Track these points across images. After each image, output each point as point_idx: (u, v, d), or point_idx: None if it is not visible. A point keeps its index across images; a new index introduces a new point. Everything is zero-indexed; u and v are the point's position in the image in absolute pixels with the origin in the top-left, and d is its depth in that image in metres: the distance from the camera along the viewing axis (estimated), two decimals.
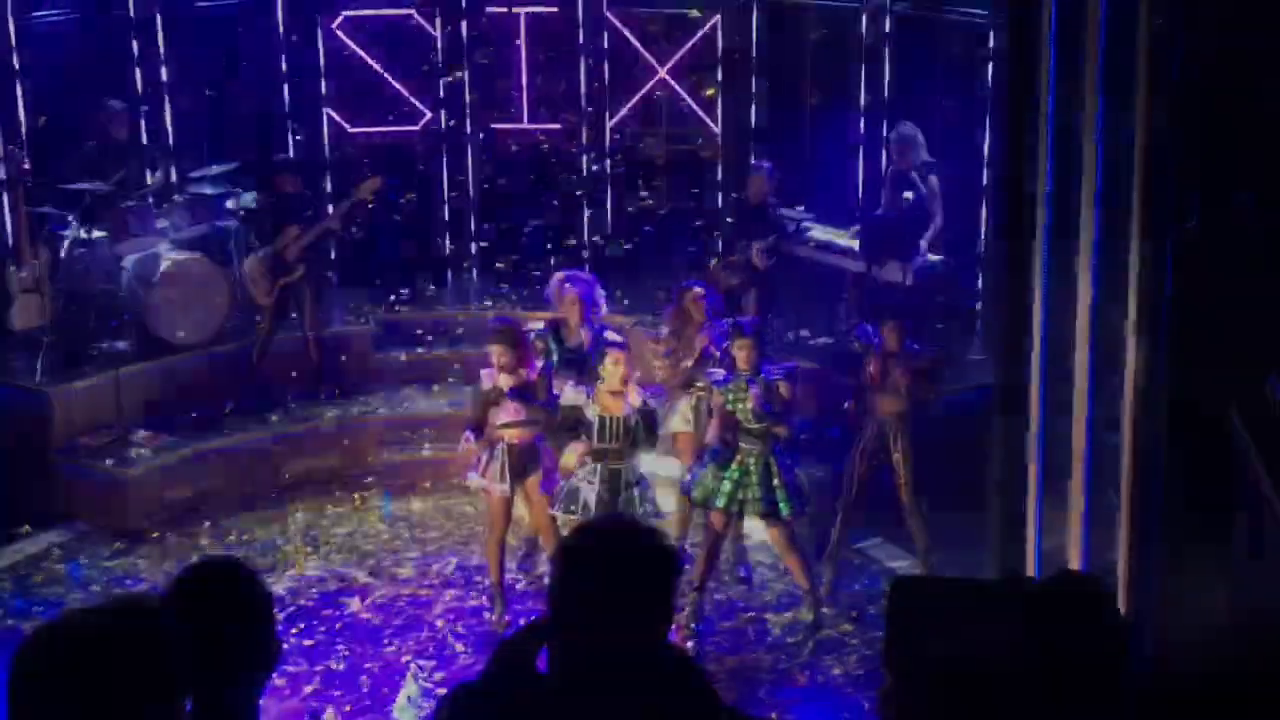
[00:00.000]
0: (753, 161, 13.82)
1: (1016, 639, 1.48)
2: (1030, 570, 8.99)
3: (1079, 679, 1.43)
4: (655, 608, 3.18)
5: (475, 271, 15.33)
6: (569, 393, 10.14)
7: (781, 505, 10.16)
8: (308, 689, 9.71)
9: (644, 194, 15.13)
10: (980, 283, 13.64)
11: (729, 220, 13.08)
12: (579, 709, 3.11)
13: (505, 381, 10.17)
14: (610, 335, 10.65)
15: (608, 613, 3.12)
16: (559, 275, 11.29)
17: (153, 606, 2.93)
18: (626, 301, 13.96)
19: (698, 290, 11.12)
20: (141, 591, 9.64)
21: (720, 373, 10.35)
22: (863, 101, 13.98)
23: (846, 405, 11.01)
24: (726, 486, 10.17)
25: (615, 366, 9.97)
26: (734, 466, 10.18)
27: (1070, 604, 2.51)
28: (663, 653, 3.20)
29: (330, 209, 13.61)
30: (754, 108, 14.65)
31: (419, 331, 14.11)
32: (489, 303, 14.41)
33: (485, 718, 3.22)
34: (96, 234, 12.91)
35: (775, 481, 10.14)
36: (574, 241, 15.07)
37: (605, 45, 14.87)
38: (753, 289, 12.79)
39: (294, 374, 13.26)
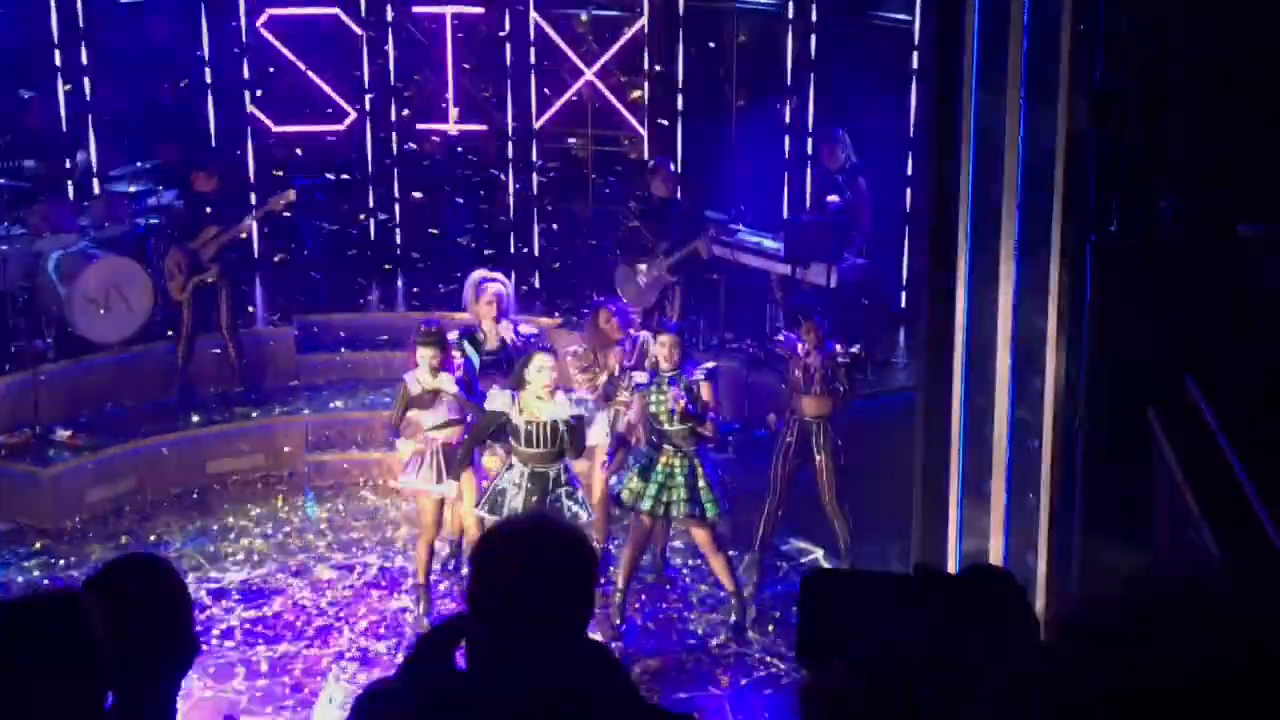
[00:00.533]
0: (650, 160, 13.86)
1: (928, 631, 1.49)
2: (953, 569, 9.05)
3: (992, 672, 1.44)
4: (574, 604, 3.18)
5: (399, 274, 15.28)
6: (495, 395, 10.09)
7: (707, 507, 10.16)
8: (228, 688, 9.64)
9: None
10: (904, 286, 13.75)
11: (636, 222, 13.06)
12: (498, 705, 3.11)
13: (439, 383, 10.15)
14: (531, 338, 10.67)
15: (526, 608, 3.11)
16: (476, 275, 11.26)
17: (74, 596, 2.89)
18: (562, 304, 14.04)
19: (610, 309, 11.11)
20: (63, 586, 9.49)
21: (643, 376, 10.36)
22: (788, 105, 14.04)
23: (770, 418, 11.04)
24: (652, 489, 10.17)
25: (541, 373, 9.88)
26: (659, 469, 10.18)
27: (981, 595, 2.53)
28: (582, 649, 3.20)
29: (252, 210, 13.53)
30: (679, 110, 14.68)
31: (342, 334, 14.05)
32: (413, 305, 14.37)
33: (403, 714, 3.20)
34: (16, 230, 12.77)
35: (700, 484, 10.15)
36: (493, 251, 15.01)
37: (532, 46, 14.86)
38: (676, 290, 12.84)
39: (216, 375, 13.16)
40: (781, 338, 11.16)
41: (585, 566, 3.22)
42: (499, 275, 11.35)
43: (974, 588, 2.59)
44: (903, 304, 13.75)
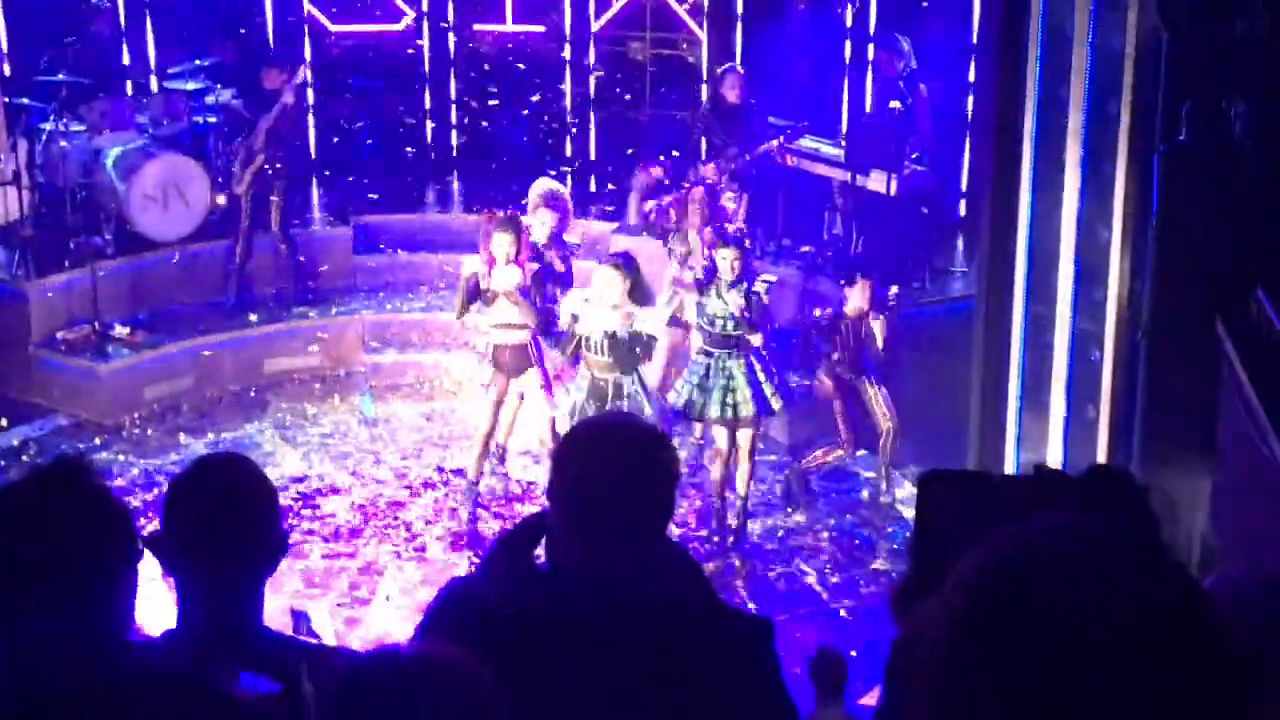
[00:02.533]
0: (721, 66, 13.74)
1: (1058, 527, 1.47)
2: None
3: (1125, 567, 1.43)
4: (655, 505, 3.18)
5: (455, 177, 15.24)
6: (574, 299, 10.10)
7: (772, 401, 10.26)
8: (286, 587, 9.74)
9: (628, 98, 15.03)
10: (964, 195, 13.65)
11: (706, 125, 12.96)
12: (578, 604, 3.12)
13: (506, 278, 10.11)
14: (576, 249, 10.74)
15: (607, 508, 3.11)
16: (544, 185, 11.22)
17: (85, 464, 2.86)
18: (611, 208, 13.99)
19: (700, 191, 11.17)
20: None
21: (694, 275, 10.41)
22: (850, 9, 13.88)
23: (818, 375, 10.96)
24: (716, 395, 10.20)
25: (610, 285, 9.86)
26: (718, 374, 10.20)
27: (1105, 498, 2.50)
28: (662, 550, 3.21)
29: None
30: (739, 13, 14.53)
31: (399, 235, 14.04)
32: (469, 208, 14.33)
33: (481, 613, 3.22)
34: (75, 128, 12.78)
35: (761, 378, 10.21)
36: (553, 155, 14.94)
37: None
38: (742, 195, 12.74)
39: (273, 275, 13.18)
40: (819, 313, 11.08)
41: (666, 468, 3.22)
42: (562, 191, 11.32)
43: (1097, 490, 2.56)
44: (962, 213, 13.65)
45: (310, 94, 13.25)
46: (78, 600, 2.58)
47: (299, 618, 8.06)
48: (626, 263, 10.03)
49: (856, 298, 10.63)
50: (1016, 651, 1.48)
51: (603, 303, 9.89)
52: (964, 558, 1.53)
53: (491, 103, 15.10)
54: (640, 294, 9.98)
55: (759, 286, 10.17)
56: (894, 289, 10.87)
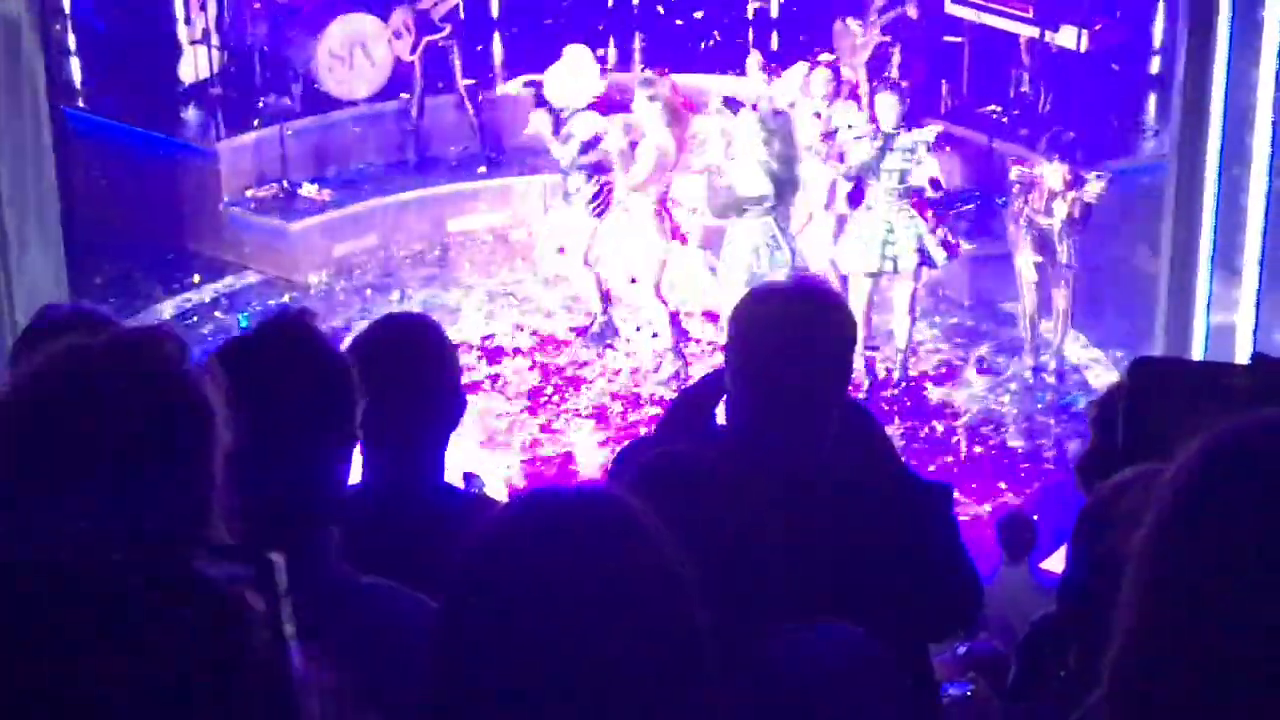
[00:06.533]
0: None
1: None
2: (1199, 344, 8.86)
3: None
4: (834, 366, 3.17)
5: (634, 35, 15.07)
6: None
7: (934, 253, 10.13)
8: (465, 445, 9.89)
9: None
10: (1156, 50, 13.23)
11: None
12: (757, 463, 3.13)
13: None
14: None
15: (785, 369, 3.11)
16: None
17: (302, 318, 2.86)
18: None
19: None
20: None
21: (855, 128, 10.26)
22: None
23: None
24: (875, 247, 10.10)
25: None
26: (881, 226, 10.10)
27: None
28: (842, 411, 3.20)
29: None
30: None
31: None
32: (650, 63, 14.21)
33: (664, 470, 3.24)
34: None
35: (922, 230, 10.09)
36: None
37: None
38: (898, 46, 12.39)
39: (455, 134, 13.23)
40: (1017, 174, 10.67)
41: (844, 329, 3.21)
42: None
43: None
44: (1154, 69, 13.24)
45: None
46: (300, 453, 2.62)
47: (469, 479, 8.22)
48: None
49: (1052, 177, 10.23)
50: (1236, 539, 1.50)
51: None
52: (1185, 444, 1.53)
53: None
54: None
55: (926, 135, 10.04)
56: (1101, 183, 10.34)
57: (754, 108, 10.17)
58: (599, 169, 10.55)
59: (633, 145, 10.31)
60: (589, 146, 10.45)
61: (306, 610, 1.54)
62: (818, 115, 10.51)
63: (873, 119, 10.17)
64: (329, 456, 2.68)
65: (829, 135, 10.43)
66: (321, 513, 2.62)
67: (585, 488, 1.99)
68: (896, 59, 12.38)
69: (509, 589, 1.80)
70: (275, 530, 1.87)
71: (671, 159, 10.21)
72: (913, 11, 12.36)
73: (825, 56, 11.39)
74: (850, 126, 10.30)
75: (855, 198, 10.46)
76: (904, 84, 10.53)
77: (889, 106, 9.99)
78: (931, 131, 10.13)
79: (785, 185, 10.02)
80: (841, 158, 10.36)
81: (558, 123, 10.60)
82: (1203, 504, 1.51)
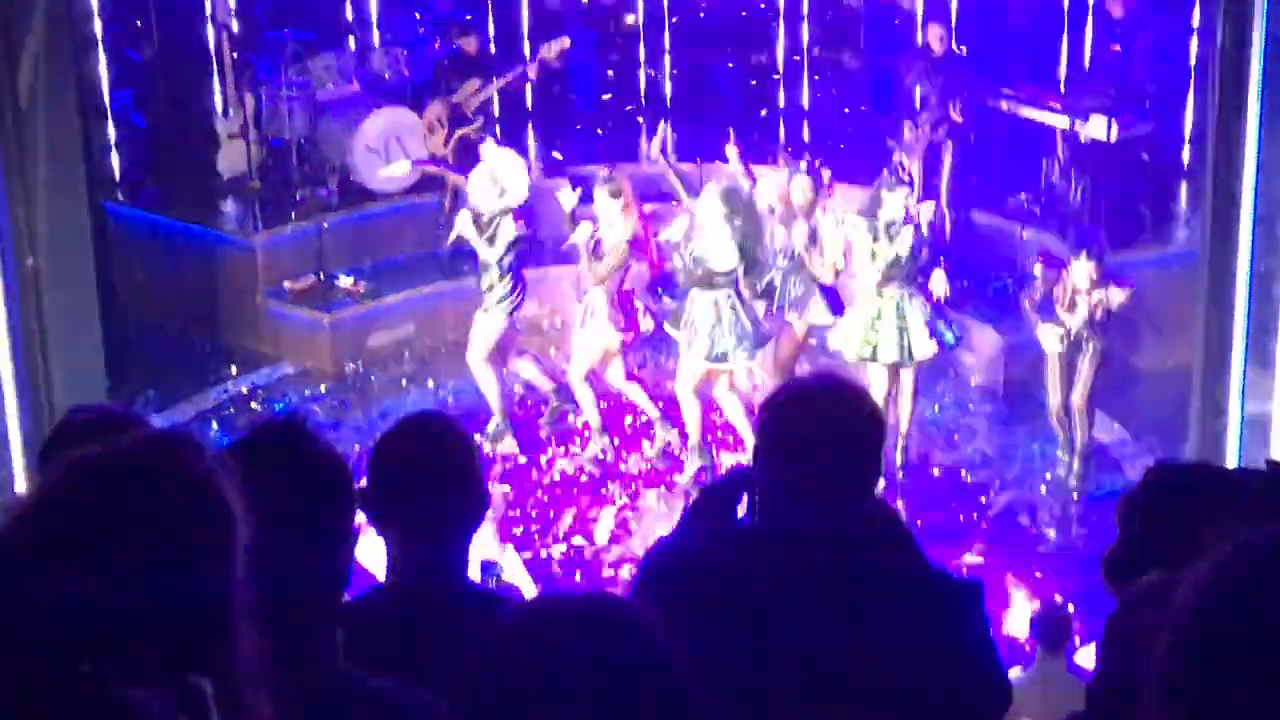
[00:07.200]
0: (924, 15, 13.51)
1: None
2: (1233, 433, 8.84)
3: None
4: (863, 462, 3.18)
5: (669, 125, 15.16)
6: None
7: (946, 336, 10.18)
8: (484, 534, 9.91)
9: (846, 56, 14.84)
10: (1186, 141, 13.26)
11: (916, 74, 12.76)
12: (783, 559, 3.14)
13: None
14: None
15: (816, 468, 3.11)
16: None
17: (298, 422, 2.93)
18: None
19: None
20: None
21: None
22: None
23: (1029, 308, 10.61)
24: (891, 335, 10.15)
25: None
26: (886, 314, 10.15)
27: None
28: (869, 508, 3.21)
29: (525, 61, 13.61)
30: None
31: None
32: (683, 156, 14.31)
33: (689, 571, 3.25)
34: (299, 80, 13.09)
35: (929, 314, 10.15)
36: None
37: None
38: (950, 142, 12.55)
39: None
40: (1040, 272, 10.51)
41: (874, 425, 3.22)
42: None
43: None
44: (1185, 160, 13.27)
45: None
46: (296, 553, 2.66)
47: (488, 568, 8.22)
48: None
49: (1078, 273, 10.08)
50: (1250, 656, 1.52)
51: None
52: (1201, 561, 1.55)
53: (702, 50, 15.07)
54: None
55: (922, 213, 10.17)
56: (1124, 293, 10.10)
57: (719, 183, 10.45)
58: (517, 269, 10.74)
59: (598, 243, 10.50)
60: (512, 248, 10.58)
61: (304, 710, 1.56)
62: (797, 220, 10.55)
63: (909, 219, 10.24)
64: (324, 556, 2.72)
65: (813, 240, 10.48)
66: (318, 611, 2.66)
67: (589, 594, 2.06)
68: (949, 157, 12.47)
69: (517, 692, 1.87)
70: (272, 628, 1.91)
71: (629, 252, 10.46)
72: (957, 115, 12.43)
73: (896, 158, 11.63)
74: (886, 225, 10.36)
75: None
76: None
77: (899, 197, 10.13)
78: (898, 202, 10.20)
79: (751, 258, 10.20)
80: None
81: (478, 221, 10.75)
82: (1216, 621, 1.53)
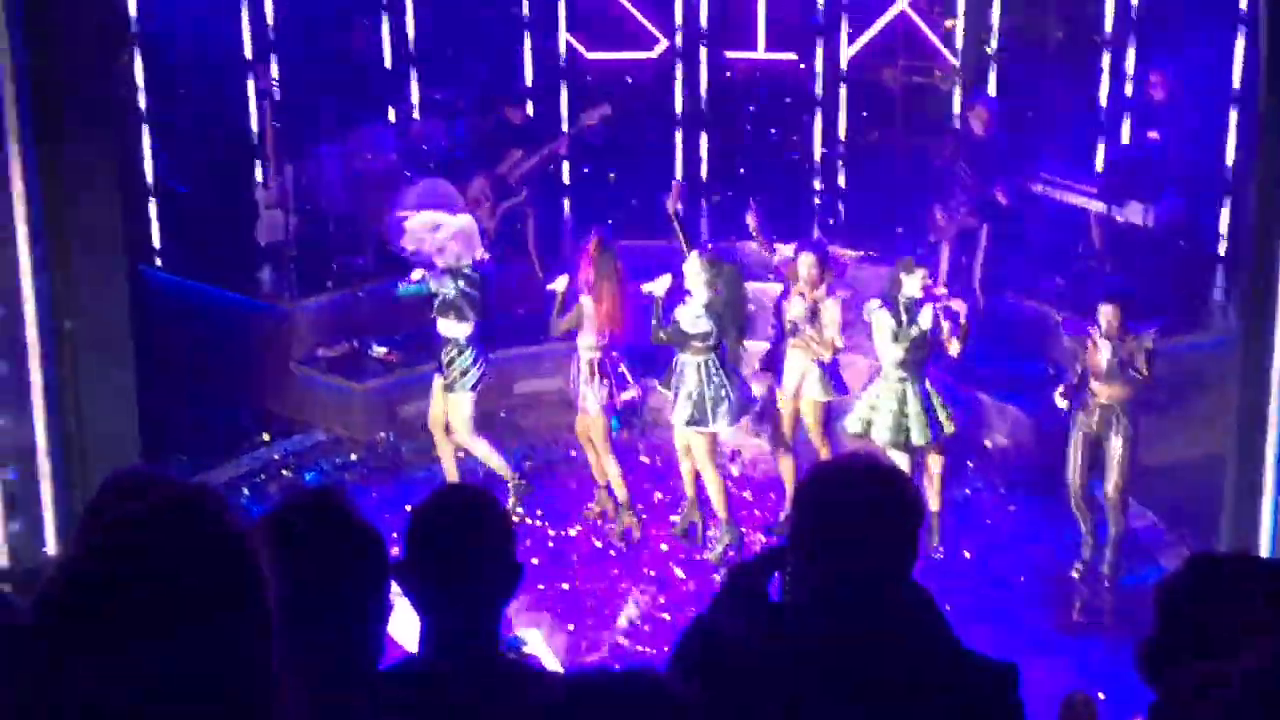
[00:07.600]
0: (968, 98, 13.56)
1: None
2: (1266, 522, 8.77)
3: None
4: (900, 545, 3.17)
5: (704, 204, 15.25)
6: None
7: (945, 424, 10.24)
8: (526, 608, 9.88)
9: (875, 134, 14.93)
10: (1223, 235, 13.24)
11: (952, 157, 12.81)
12: (817, 640, 3.12)
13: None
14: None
15: (850, 547, 3.11)
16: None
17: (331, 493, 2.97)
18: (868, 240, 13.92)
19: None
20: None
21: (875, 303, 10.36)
22: (1108, 33, 13.65)
23: (1059, 397, 10.52)
24: (889, 419, 10.16)
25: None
26: (892, 397, 10.17)
27: None
28: (905, 591, 3.20)
29: (564, 132, 13.73)
30: (994, 39, 14.34)
31: (649, 259, 14.08)
32: (717, 234, 14.36)
33: (722, 646, 3.25)
34: (337, 152, 13.20)
35: (935, 402, 10.16)
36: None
37: None
38: (984, 225, 12.57)
39: (522, 295, 13.33)
40: (1065, 326, 10.64)
41: (911, 508, 3.21)
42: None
43: None
44: (1222, 248, 13.24)
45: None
46: (331, 623, 2.66)
47: (511, 642, 8.16)
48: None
49: (1104, 319, 10.02)
50: None
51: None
52: (1253, 654, 1.54)
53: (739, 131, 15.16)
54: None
55: (945, 300, 10.17)
56: (1148, 339, 10.03)
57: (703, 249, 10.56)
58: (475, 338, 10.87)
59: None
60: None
61: None
62: (801, 295, 10.53)
63: (929, 297, 10.26)
64: (358, 626, 2.72)
65: (814, 317, 10.47)
66: (353, 681, 2.66)
67: (631, 672, 2.07)
68: (984, 240, 12.50)
69: None
70: (307, 696, 1.91)
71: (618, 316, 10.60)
72: (1002, 198, 12.46)
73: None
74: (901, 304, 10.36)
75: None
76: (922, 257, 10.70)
77: (918, 278, 10.16)
78: (916, 283, 10.19)
79: (729, 326, 10.24)
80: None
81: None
82: (1273, 714, 1.51)
